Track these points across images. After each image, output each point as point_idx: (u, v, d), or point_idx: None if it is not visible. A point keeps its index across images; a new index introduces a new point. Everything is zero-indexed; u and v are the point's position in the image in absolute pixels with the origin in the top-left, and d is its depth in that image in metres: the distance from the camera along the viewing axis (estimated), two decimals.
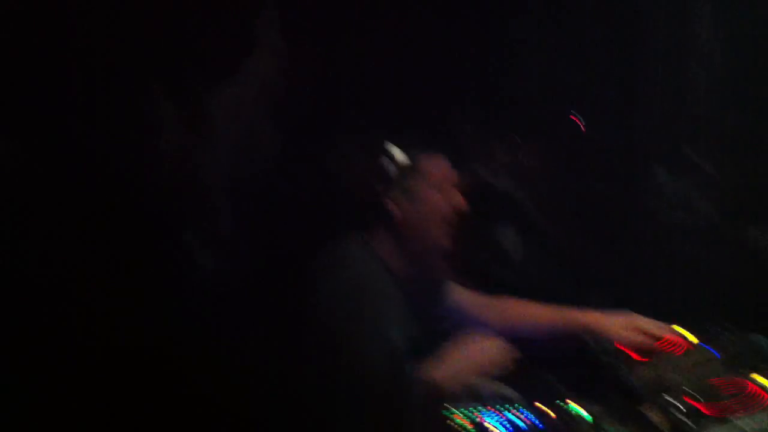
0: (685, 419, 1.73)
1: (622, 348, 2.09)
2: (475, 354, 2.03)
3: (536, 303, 2.11)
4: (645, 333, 2.09)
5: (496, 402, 2.06)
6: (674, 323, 2.18)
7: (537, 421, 1.94)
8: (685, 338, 2.11)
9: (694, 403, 1.77)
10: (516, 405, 2.01)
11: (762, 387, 1.78)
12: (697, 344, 2.07)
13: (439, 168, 1.98)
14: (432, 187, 1.95)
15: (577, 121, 3.12)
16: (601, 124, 3.08)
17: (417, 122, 2.18)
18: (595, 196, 3.06)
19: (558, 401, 2.01)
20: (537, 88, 3.12)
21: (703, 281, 2.58)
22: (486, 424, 1.93)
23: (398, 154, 1.91)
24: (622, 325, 2.10)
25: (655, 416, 1.84)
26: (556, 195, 3.09)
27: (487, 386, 2.19)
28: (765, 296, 2.39)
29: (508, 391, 2.18)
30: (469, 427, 1.91)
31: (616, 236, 3.05)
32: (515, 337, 2.08)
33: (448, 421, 1.95)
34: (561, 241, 3.00)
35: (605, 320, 2.10)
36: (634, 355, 2.07)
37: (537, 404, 2.00)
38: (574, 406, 1.99)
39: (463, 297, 2.17)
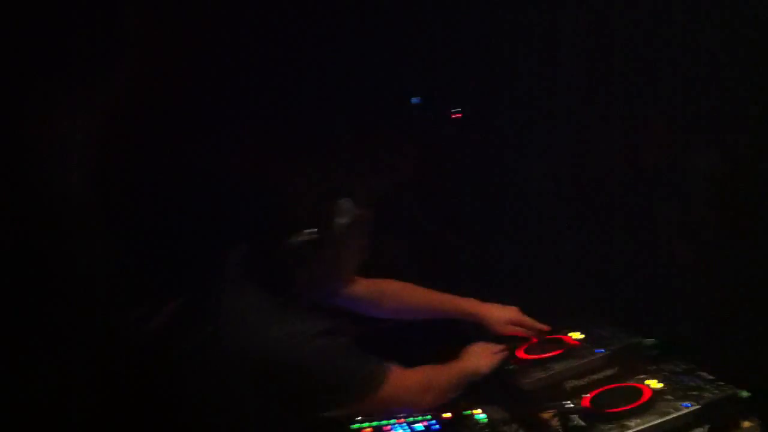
0: (577, 421, 1.83)
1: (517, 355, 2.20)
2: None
3: (426, 289, 2.17)
4: (527, 329, 2.26)
5: (405, 414, 2.13)
6: (563, 325, 2.32)
7: (434, 424, 2.03)
8: (570, 337, 2.25)
9: (583, 404, 1.88)
10: (417, 416, 2.09)
11: (648, 387, 1.90)
12: (584, 345, 2.19)
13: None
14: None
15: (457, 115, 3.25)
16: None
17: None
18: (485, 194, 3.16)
19: (456, 408, 2.10)
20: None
21: (589, 283, 2.71)
22: None
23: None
24: (505, 318, 2.26)
25: (549, 418, 1.95)
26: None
27: None
28: (649, 299, 2.53)
29: None
30: None
31: (510, 237, 3.15)
32: (402, 318, 2.16)
33: None
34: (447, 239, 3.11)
35: (489, 310, 2.24)
36: (523, 355, 2.17)
37: (436, 412, 2.08)
38: (471, 412, 2.09)
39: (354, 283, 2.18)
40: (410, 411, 2.05)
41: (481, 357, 2.17)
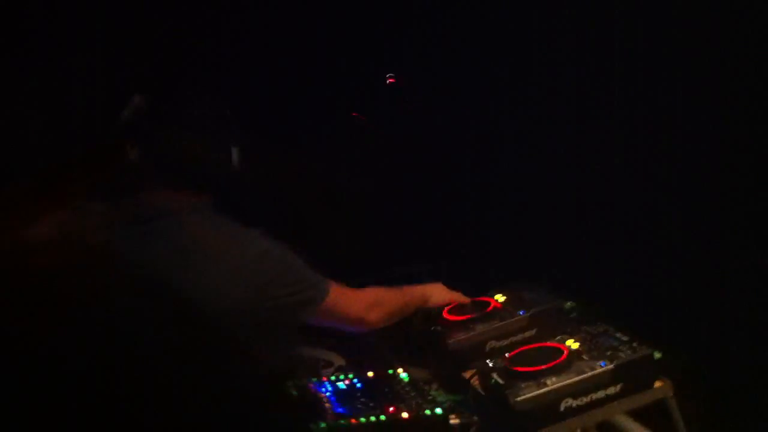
0: (498, 379, 1.86)
1: (444, 317, 2.22)
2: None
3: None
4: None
5: (327, 372, 2.14)
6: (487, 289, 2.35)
7: (357, 381, 2.04)
8: (495, 300, 2.28)
9: (504, 363, 1.91)
10: (342, 374, 2.09)
11: (566, 347, 1.93)
12: (507, 307, 2.22)
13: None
14: None
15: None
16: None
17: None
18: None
19: (381, 368, 2.12)
20: None
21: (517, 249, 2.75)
22: (313, 390, 2.00)
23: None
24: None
25: (468, 376, 1.98)
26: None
27: (317, 355, 2.27)
28: (571, 262, 2.58)
29: (338, 360, 2.27)
30: (294, 391, 1.97)
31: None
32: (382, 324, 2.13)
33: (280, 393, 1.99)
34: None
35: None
36: (451, 317, 2.20)
37: (360, 371, 2.10)
38: (399, 371, 2.10)
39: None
40: (354, 328, 2.05)
41: (436, 289, 2.25)
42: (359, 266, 2.46)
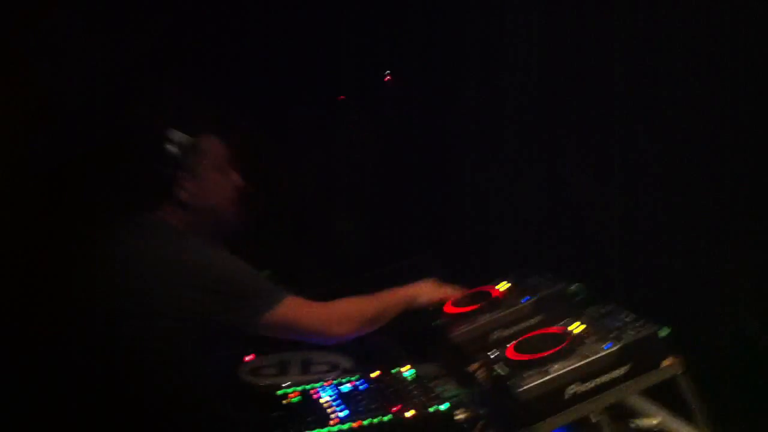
0: (500, 369, 1.81)
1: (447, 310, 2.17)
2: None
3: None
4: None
5: (333, 376, 2.11)
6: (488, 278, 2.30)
7: (363, 383, 2.01)
8: (497, 289, 2.23)
9: (511, 353, 1.86)
10: (346, 377, 2.06)
11: (570, 331, 1.88)
12: (510, 295, 2.17)
13: (216, 148, 2.04)
14: (212, 167, 2.02)
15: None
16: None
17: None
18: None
19: (386, 367, 2.08)
20: None
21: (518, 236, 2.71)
22: (315, 396, 1.97)
23: (179, 136, 1.95)
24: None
25: (476, 370, 1.93)
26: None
27: (323, 359, 2.24)
28: (579, 245, 2.53)
29: (345, 363, 2.24)
30: (297, 398, 1.95)
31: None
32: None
33: (283, 401, 1.96)
34: None
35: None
36: (453, 310, 2.15)
37: (365, 372, 2.07)
38: (402, 369, 2.06)
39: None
40: (320, 340, 2.05)
41: (424, 287, 2.21)
42: (356, 260, 2.42)
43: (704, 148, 2.27)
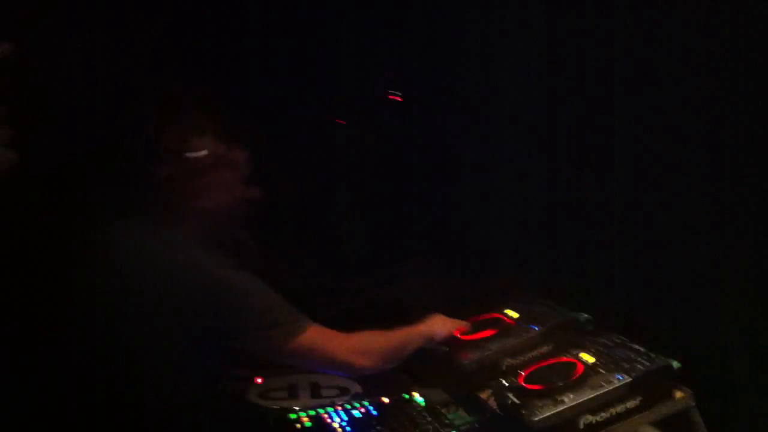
0: (513, 398, 1.83)
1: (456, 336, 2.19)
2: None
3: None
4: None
5: (342, 400, 2.11)
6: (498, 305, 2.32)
7: (372, 409, 2.02)
8: (507, 316, 2.25)
9: (519, 382, 1.88)
10: (355, 402, 2.07)
11: (582, 362, 1.90)
12: (520, 323, 2.19)
13: (216, 148, 1.97)
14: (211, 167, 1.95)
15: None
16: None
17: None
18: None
19: (395, 393, 2.09)
20: None
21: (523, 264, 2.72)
22: (327, 420, 1.97)
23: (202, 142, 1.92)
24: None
25: (487, 398, 1.95)
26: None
27: (332, 383, 2.24)
28: (582, 276, 2.55)
29: (354, 387, 2.24)
30: (309, 422, 1.95)
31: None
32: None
33: (296, 424, 1.97)
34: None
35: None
36: (463, 337, 2.17)
37: (374, 397, 2.08)
38: (410, 395, 2.08)
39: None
40: (341, 372, 2.05)
41: (437, 323, 2.18)
42: (357, 260, 2.41)
43: (703, 147, 2.29)
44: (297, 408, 2.06)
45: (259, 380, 2.27)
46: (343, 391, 2.22)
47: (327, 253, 3.10)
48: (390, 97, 3.46)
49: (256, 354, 1.93)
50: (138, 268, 1.86)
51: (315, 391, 2.24)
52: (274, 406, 2.10)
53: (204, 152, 1.91)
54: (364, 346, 2.00)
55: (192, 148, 1.90)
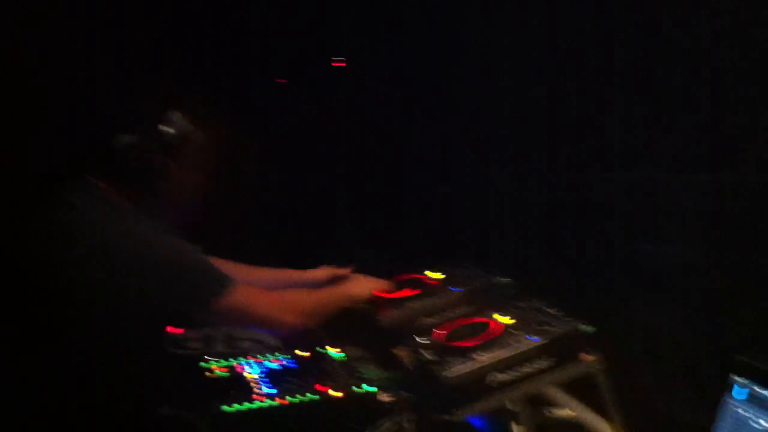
0: (431, 356, 1.84)
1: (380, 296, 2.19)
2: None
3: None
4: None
5: (257, 351, 2.10)
6: (423, 268, 2.33)
7: (291, 362, 2.01)
8: (429, 278, 2.26)
9: (438, 340, 1.89)
10: (276, 354, 2.06)
11: (499, 324, 1.92)
12: (442, 283, 2.21)
13: (207, 142, 1.96)
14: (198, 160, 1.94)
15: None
16: None
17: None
18: None
19: (317, 347, 2.09)
20: None
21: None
22: (244, 372, 1.95)
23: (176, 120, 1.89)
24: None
25: (403, 354, 1.95)
26: None
27: (247, 335, 2.22)
28: (507, 240, 2.57)
29: (269, 339, 2.23)
30: (224, 372, 1.93)
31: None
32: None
33: (206, 373, 1.95)
34: None
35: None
36: (383, 294, 2.18)
37: (296, 351, 2.07)
38: (330, 350, 2.07)
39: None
40: (271, 329, 2.05)
41: (358, 284, 2.20)
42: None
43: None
44: (210, 358, 2.03)
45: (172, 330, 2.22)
46: (259, 343, 2.20)
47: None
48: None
49: (186, 314, 1.89)
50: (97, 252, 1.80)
51: (231, 343, 2.21)
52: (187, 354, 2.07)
53: (171, 131, 1.88)
54: (290, 304, 2.00)
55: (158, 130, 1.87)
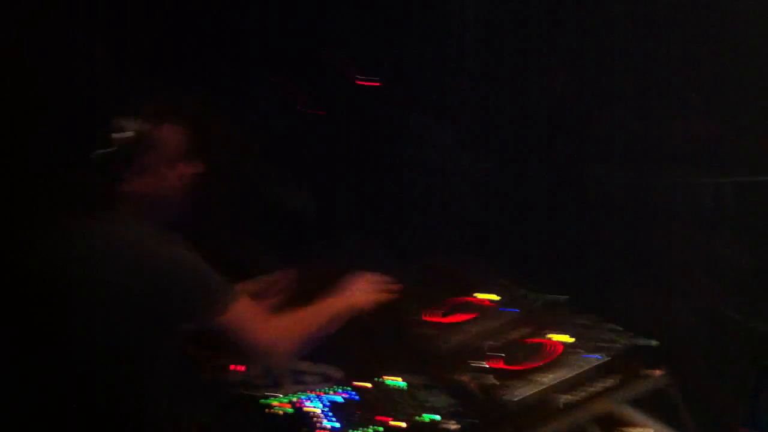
0: (493, 380, 1.82)
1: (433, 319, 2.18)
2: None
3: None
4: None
5: (318, 386, 2.09)
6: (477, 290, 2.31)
7: (353, 395, 1.99)
8: (485, 300, 2.24)
9: (499, 364, 1.87)
10: (336, 387, 2.05)
11: (557, 342, 1.90)
12: (498, 306, 2.18)
13: (170, 139, 1.90)
14: (164, 160, 1.89)
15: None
16: None
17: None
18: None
19: (375, 377, 2.07)
20: None
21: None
22: (305, 407, 1.95)
23: (129, 126, 1.85)
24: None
25: (464, 380, 1.93)
26: None
27: (313, 369, 2.21)
28: (562, 259, 2.55)
29: (333, 372, 2.21)
30: (287, 408, 1.92)
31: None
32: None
33: (266, 410, 1.95)
34: None
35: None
36: (441, 320, 2.16)
37: (355, 383, 2.05)
38: (390, 380, 2.05)
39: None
40: (254, 355, 1.92)
41: (359, 291, 2.03)
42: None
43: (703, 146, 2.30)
44: (275, 395, 2.02)
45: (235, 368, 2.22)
46: (324, 377, 2.20)
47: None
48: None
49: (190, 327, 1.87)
50: (83, 259, 1.79)
51: (297, 379, 2.20)
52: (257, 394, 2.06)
53: (129, 134, 1.84)
54: (288, 329, 1.87)
55: (117, 130, 1.84)
